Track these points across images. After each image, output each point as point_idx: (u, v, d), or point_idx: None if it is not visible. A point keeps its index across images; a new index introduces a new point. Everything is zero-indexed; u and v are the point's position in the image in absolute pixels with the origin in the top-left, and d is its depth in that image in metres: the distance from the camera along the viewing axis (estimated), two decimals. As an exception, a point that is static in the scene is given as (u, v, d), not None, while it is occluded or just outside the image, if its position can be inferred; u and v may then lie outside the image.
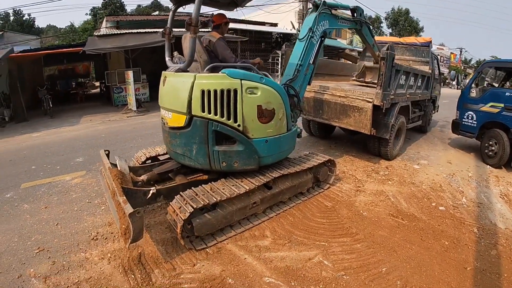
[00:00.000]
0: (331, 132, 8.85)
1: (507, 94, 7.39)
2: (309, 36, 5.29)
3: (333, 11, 5.76)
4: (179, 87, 3.91)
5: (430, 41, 9.44)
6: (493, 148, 7.35)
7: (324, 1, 5.45)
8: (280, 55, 10.23)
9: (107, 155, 4.54)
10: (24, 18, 40.24)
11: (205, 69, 3.95)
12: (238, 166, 4.03)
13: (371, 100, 6.03)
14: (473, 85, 8.23)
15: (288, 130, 4.48)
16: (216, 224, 3.72)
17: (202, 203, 3.47)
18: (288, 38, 26.52)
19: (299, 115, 5.25)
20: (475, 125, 7.90)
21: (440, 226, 4.37)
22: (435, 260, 3.59)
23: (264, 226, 4.11)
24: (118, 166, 4.22)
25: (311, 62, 5.40)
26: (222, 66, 3.96)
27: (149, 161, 5.08)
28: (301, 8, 23.03)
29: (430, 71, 8.88)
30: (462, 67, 40.20)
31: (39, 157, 7.51)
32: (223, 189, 3.81)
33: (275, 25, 27.01)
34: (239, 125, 3.83)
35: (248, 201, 4.02)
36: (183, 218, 3.31)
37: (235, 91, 3.73)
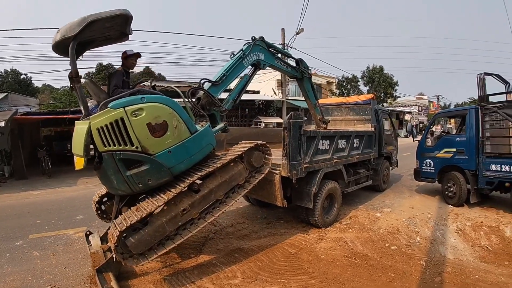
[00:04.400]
0: None
1: (457, 139, 8.43)
2: (240, 56, 5.98)
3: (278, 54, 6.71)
4: (79, 133, 4.26)
5: (372, 98, 9.71)
6: (452, 189, 8.20)
7: (262, 37, 6.32)
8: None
9: (88, 236, 5.40)
10: (21, 77, 42.19)
11: (98, 108, 4.26)
12: (153, 183, 4.33)
13: (277, 171, 5.76)
14: (428, 135, 9.28)
15: (192, 133, 4.61)
16: (150, 239, 4.07)
17: (126, 225, 3.86)
18: (269, 105, 28.39)
19: (221, 111, 5.77)
20: (433, 171, 8.81)
21: (390, 262, 5.00)
22: (379, 289, 4.22)
23: (236, 269, 4.77)
24: (92, 245, 5.04)
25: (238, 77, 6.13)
26: (109, 101, 4.21)
27: (105, 198, 5.63)
28: (280, 77, 24.96)
29: (372, 128, 8.79)
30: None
31: (42, 213, 8.33)
32: (146, 206, 4.16)
33: (257, 92, 28.98)
34: (137, 147, 4.10)
35: (176, 210, 4.30)
36: (113, 243, 3.82)
37: (122, 119, 4.03)
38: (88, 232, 5.61)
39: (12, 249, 5.82)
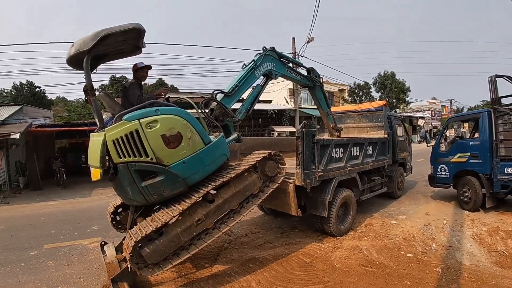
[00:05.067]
0: None
1: (471, 143, 8.33)
2: (252, 67, 6.06)
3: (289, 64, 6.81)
4: (95, 145, 4.34)
5: (385, 104, 9.60)
6: (467, 194, 8.09)
7: (273, 47, 6.39)
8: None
9: (103, 246, 5.47)
10: (36, 90, 43.02)
11: (113, 120, 4.33)
12: (168, 193, 4.39)
13: (291, 180, 5.75)
14: (441, 140, 9.21)
15: (206, 144, 4.67)
16: (165, 249, 4.11)
17: (141, 235, 3.91)
18: (282, 114, 28.46)
19: (234, 122, 5.81)
20: (448, 176, 8.71)
21: (405, 270, 4.95)
22: (395, 298, 4.20)
23: (251, 279, 4.78)
24: (107, 255, 5.11)
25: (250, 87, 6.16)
26: (124, 113, 4.29)
27: (120, 209, 5.69)
28: (292, 86, 24.98)
29: (386, 135, 8.69)
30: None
31: (57, 223, 8.52)
32: (162, 216, 4.23)
33: (270, 101, 29.14)
34: (152, 159, 4.16)
35: (191, 220, 4.35)
36: (129, 253, 3.88)
37: (137, 131, 4.10)
38: (103, 242, 5.70)
39: (27, 259, 5.97)
